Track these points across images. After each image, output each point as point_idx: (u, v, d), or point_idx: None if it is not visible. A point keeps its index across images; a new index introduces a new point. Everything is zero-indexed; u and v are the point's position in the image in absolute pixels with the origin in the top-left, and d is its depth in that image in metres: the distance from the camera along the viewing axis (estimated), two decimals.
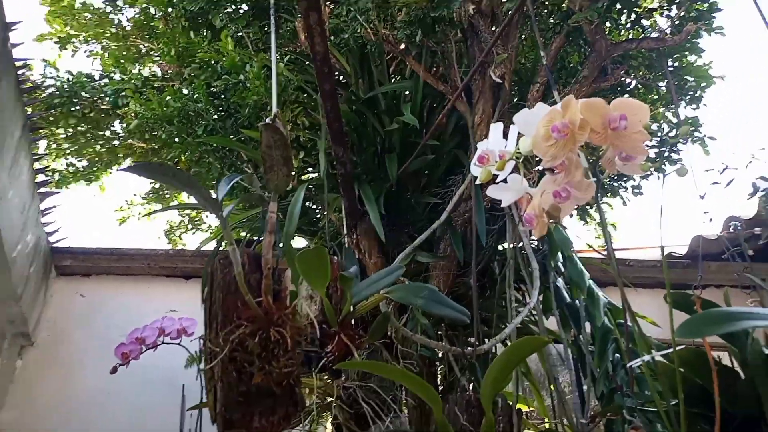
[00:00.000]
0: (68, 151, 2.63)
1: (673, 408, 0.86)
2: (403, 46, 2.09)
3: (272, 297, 0.85)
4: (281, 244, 1.26)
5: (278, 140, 0.86)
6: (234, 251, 0.84)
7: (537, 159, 0.93)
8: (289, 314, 0.86)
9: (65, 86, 2.36)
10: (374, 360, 1.58)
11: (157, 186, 3.00)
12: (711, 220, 1.74)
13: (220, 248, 2.14)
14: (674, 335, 0.86)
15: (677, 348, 0.88)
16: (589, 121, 0.83)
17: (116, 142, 2.66)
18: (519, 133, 0.99)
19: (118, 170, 2.58)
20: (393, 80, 2.42)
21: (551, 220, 0.91)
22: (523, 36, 2.43)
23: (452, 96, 1.98)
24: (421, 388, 1.10)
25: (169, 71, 2.38)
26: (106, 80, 2.42)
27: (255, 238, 2.21)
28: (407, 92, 2.31)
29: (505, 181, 1.05)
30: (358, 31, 1.90)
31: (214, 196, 0.96)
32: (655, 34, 2.06)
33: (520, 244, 1.77)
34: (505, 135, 1.05)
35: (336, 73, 2.42)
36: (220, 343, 0.79)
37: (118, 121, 2.56)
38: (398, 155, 2.15)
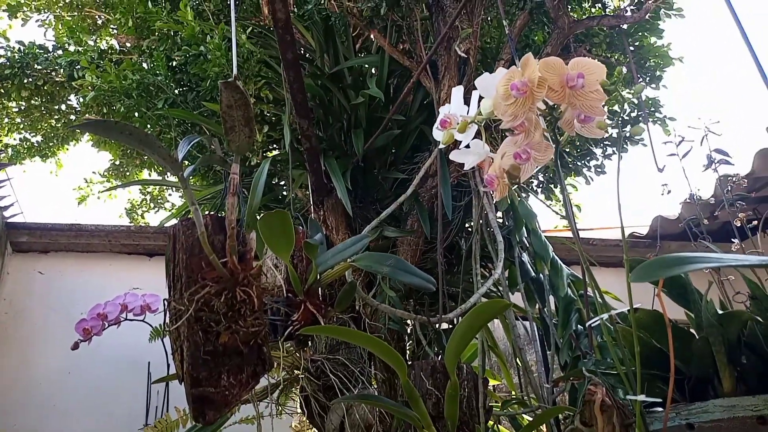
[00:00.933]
0: (22, 126, 2.52)
1: (633, 372, 0.89)
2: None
3: (237, 258, 0.84)
4: (245, 219, 1.24)
5: (239, 99, 0.84)
6: (196, 210, 0.83)
7: (497, 122, 0.95)
8: (255, 275, 0.85)
9: (17, 57, 2.25)
10: None
11: (117, 163, 2.90)
12: (669, 192, 1.81)
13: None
14: (631, 299, 0.89)
15: (635, 310, 0.90)
16: (547, 80, 0.85)
17: (72, 117, 2.57)
18: (480, 97, 1.00)
19: (70, 127, 2.46)
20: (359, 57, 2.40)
21: (513, 180, 0.93)
22: (489, 17, 2.45)
23: (417, 71, 1.98)
24: (386, 353, 1.10)
25: (127, 44, 2.30)
26: (60, 52, 2.32)
27: (220, 215, 2.18)
28: (373, 69, 2.30)
29: (468, 146, 1.07)
30: (322, 2, 1.87)
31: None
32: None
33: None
34: (468, 102, 1.07)
35: (301, 49, 2.39)
36: (185, 303, 0.78)
37: (74, 94, 2.46)
38: (364, 131, 2.13)
